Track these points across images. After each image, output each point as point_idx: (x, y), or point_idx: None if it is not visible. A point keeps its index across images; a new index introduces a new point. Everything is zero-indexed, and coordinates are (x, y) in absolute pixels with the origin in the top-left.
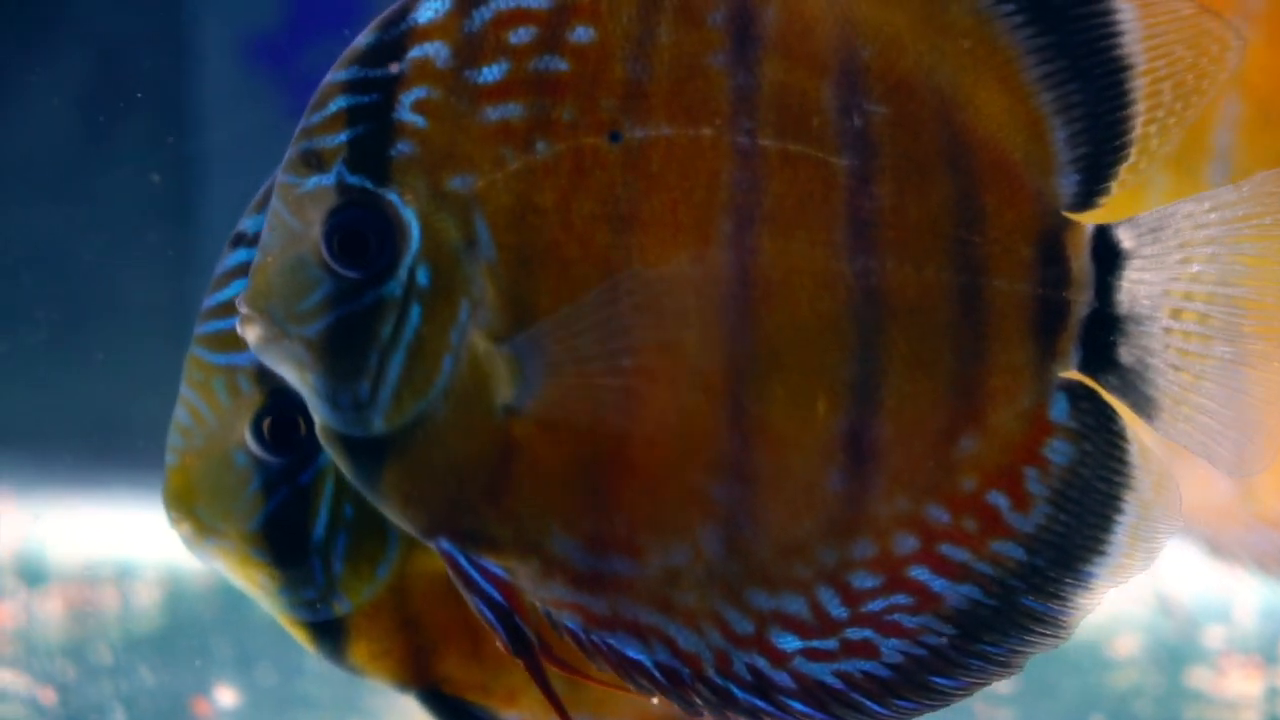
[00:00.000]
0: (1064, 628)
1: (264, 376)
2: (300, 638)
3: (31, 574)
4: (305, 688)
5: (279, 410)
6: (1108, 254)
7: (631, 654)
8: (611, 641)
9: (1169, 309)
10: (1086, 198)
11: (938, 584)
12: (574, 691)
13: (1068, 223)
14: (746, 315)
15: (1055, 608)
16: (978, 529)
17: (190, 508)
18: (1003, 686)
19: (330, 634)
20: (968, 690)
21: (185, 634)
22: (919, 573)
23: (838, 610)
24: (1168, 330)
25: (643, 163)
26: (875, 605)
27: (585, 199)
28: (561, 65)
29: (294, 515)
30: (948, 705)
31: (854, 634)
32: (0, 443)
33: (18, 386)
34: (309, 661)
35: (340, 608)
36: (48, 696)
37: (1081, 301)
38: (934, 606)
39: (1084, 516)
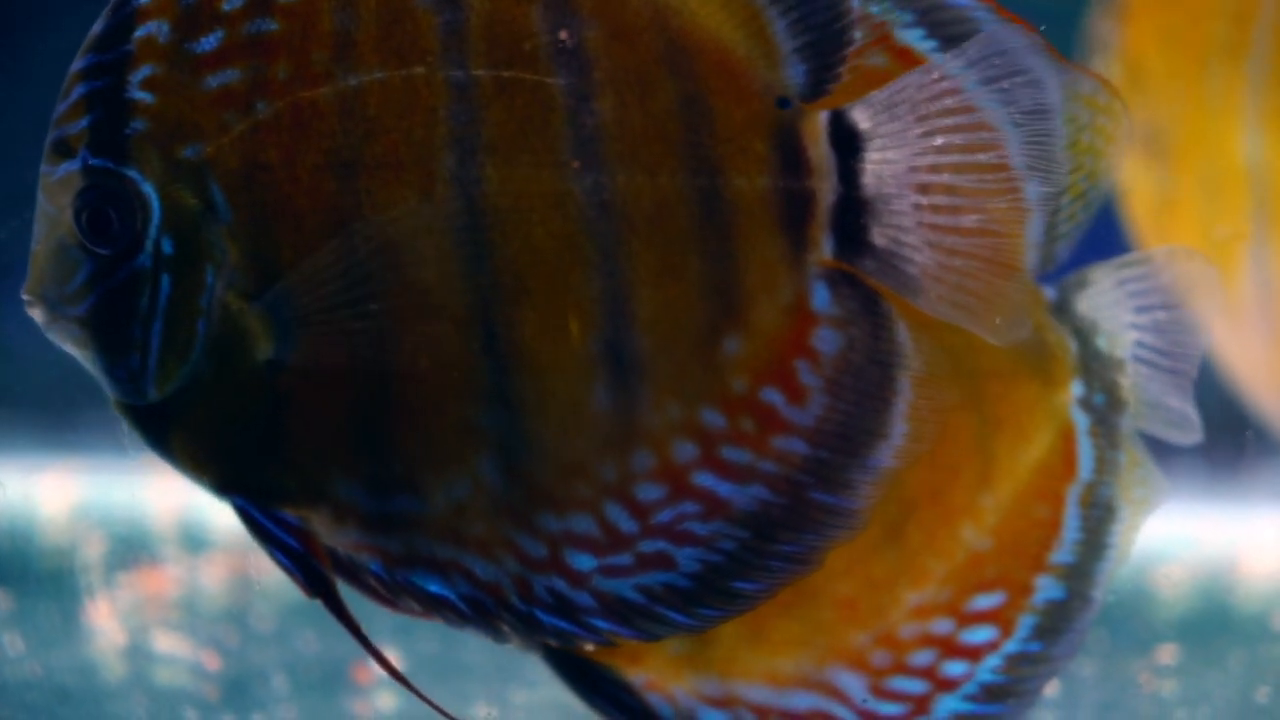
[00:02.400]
0: (857, 517)
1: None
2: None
3: (193, 541)
4: (466, 656)
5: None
6: (846, 138)
7: (434, 589)
8: (413, 579)
9: (916, 185)
10: (818, 85)
11: (724, 488)
12: (700, 652)
13: (801, 113)
14: (483, 245)
15: (846, 498)
16: (756, 428)
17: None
18: (1168, 658)
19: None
20: (770, 591)
21: (345, 600)
22: (703, 479)
23: (627, 525)
24: (918, 206)
25: (360, 109)
26: (664, 516)
27: (309, 152)
28: (272, 25)
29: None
30: (752, 608)
31: (647, 547)
32: None
33: None
34: None
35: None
36: (211, 661)
37: (826, 189)
38: (724, 511)
39: (861, 402)
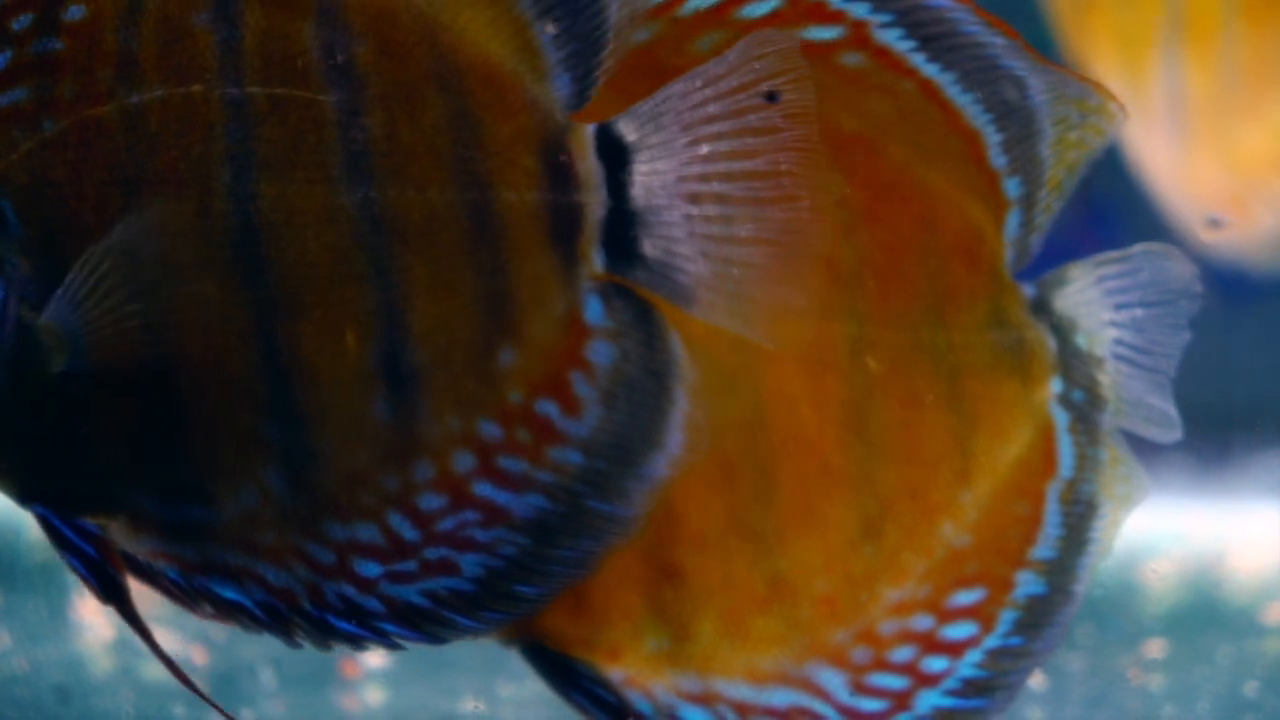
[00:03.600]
0: (632, 524)
1: None
2: None
3: None
4: (454, 650)
5: None
6: (613, 151)
7: (230, 596)
8: (209, 585)
9: (687, 195)
10: (581, 96)
11: (502, 497)
12: (679, 649)
13: (569, 126)
14: (259, 260)
15: (621, 506)
16: (532, 439)
17: None
18: (1156, 652)
19: None
20: (551, 595)
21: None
22: (483, 488)
23: (411, 533)
24: (689, 216)
25: (142, 126)
26: (446, 524)
27: (94, 168)
28: (58, 45)
29: None
30: (534, 611)
31: (431, 554)
32: None
33: None
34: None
35: None
36: (199, 655)
37: (594, 203)
38: (503, 519)
39: (636, 413)
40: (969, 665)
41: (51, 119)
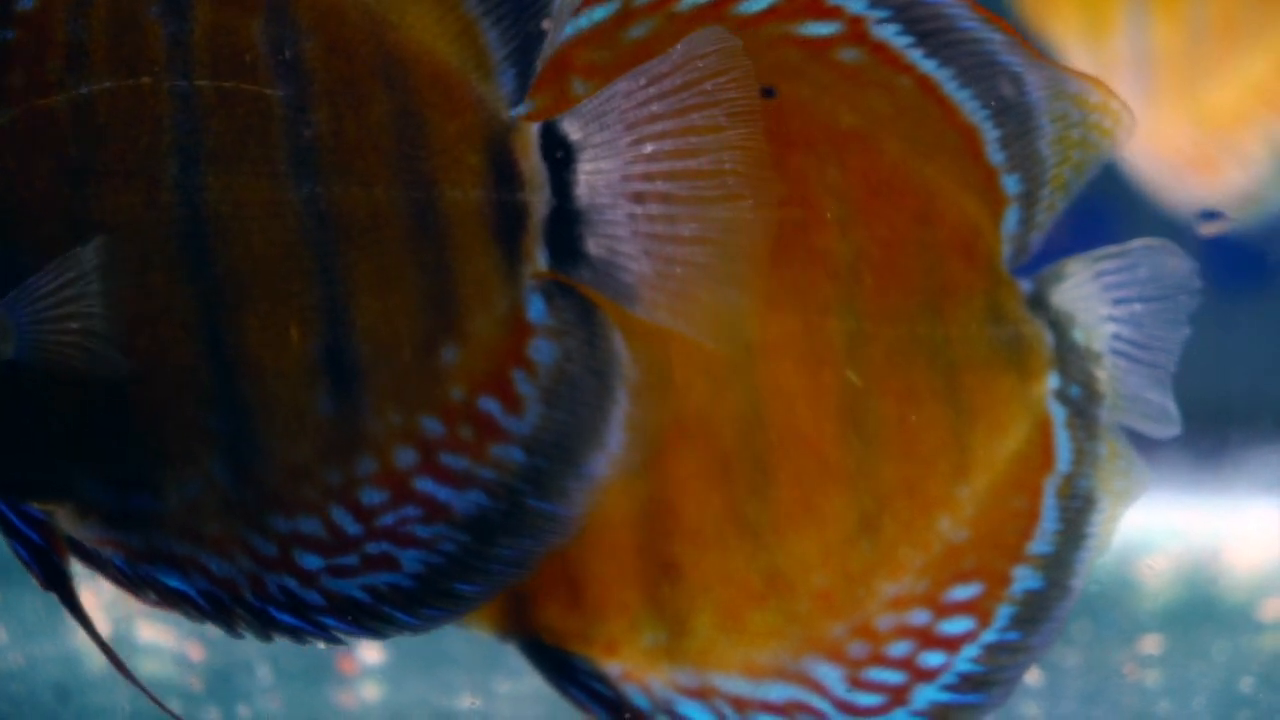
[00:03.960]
0: (573, 524)
1: None
2: None
3: None
4: (450, 645)
5: None
6: (558, 150)
7: (174, 584)
8: (154, 574)
9: (631, 194)
10: (523, 92)
11: (444, 493)
12: (677, 643)
13: (514, 124)
14: (206, 252)
15: (562, 506)
16: (474, 436)
17: None
18: (1152, 647)
19: None
20: (490, 592)
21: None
22: (424, 484)
23: (352, 527)
24: (633, 216)
25: (91, 117)
26: (387, 519)
27: (44, 158)
28: (10, 34)
29: None
30: (473, 609)
31: (373, 548)
32: None
33: None
34: None
35: None
36: (195, 652)
37: (538, 201)
38: (444, 515)
39: (577, 412)
40: (966, 660)
41: (3, 107)
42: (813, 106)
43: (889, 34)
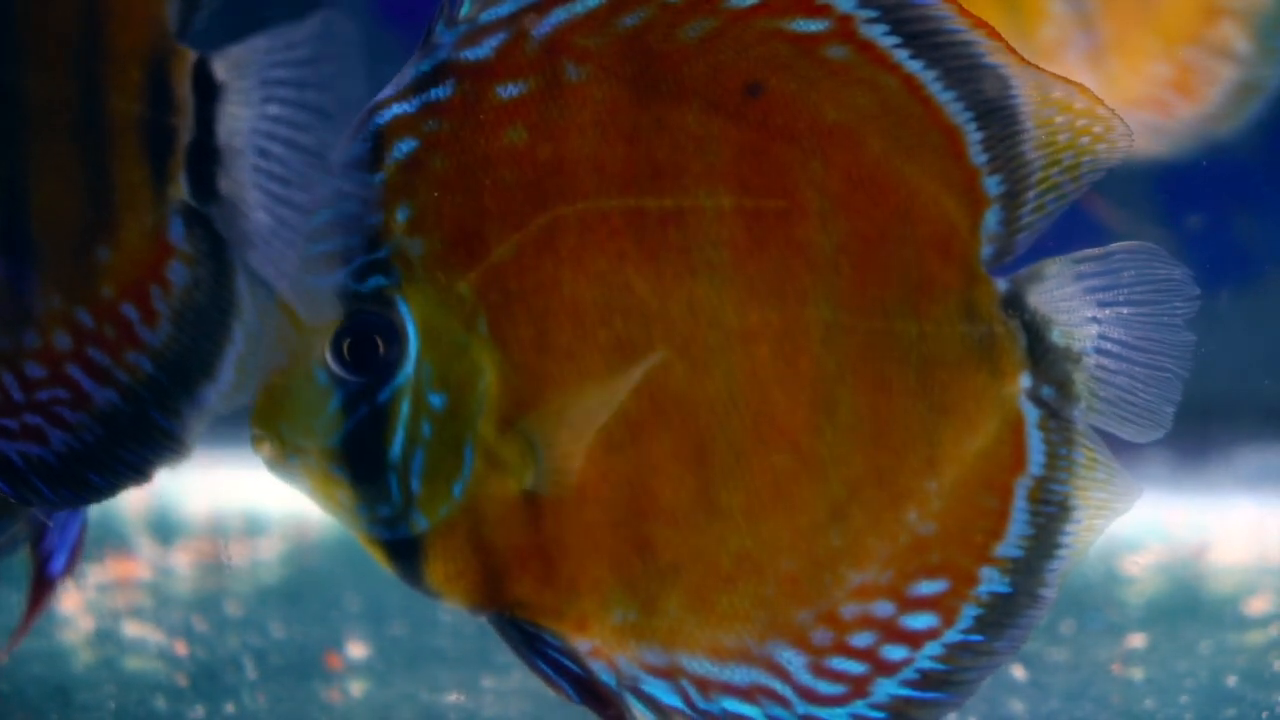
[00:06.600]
0: (185, 446)
1: (344, 297)
2: (378, 557)
3: (163, 528)
4: (437, 641)
5: (358, 330)
6: (206, 85)
7: None
8: None
9: (258, 148)
10: (189, 24)
11: (87, 384)
12: (646, 622)
13: (177, 50)
14: None
15: (175, 424)
16: (116, 337)
17: (274, 426)
18: (1138, 644)
19: (407, 553)
20: (113, 489)
21: (315, 588)
22: (74, 371)
23: (17, 394)
24: (256, 168)
25: None
26: (43, 395)
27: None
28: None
29: (372, 433)
30: (99, 500)
31: (30, 419)
32: None
33: None
34: (440, 615)
35: (416, 526)
36: (181, 649)
37: (183, 128)
38: (88, 406)
39: (198, 339)
40: (927, 658)
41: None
42: (799, 100)
43: (877, 33)
